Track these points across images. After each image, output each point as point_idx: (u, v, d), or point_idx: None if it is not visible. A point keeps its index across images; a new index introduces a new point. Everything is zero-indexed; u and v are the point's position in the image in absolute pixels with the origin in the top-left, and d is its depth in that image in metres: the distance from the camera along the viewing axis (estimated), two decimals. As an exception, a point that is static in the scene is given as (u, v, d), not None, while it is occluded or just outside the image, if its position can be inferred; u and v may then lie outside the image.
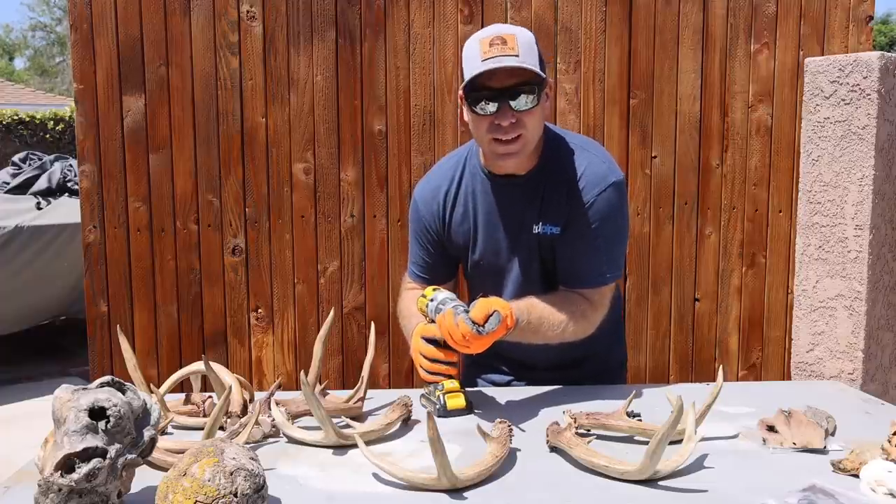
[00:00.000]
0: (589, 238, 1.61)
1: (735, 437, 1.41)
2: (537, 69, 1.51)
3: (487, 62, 1.49)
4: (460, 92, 1.59)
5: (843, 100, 2.07)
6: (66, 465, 1.01)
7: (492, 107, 1.52)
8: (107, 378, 1.12)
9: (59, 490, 1.01)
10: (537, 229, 1.65)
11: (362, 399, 1.55)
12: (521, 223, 1.66)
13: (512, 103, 1.52)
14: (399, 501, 1.17)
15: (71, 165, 5.57)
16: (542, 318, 1.57)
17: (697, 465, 1.27)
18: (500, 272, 1.71)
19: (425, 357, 1.53)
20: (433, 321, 1.53)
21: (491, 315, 1.43)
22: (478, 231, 1.71)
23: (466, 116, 1.60)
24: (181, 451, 1.16)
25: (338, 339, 2.69)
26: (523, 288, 1.69)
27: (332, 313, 1.53)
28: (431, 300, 1.53)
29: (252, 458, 1.07)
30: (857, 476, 1.20)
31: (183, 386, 1.69)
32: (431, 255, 1.78)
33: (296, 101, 2.61)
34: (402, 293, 1.86)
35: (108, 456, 1.03)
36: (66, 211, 5.14)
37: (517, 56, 1.49)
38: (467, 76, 1.53)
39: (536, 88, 1.52)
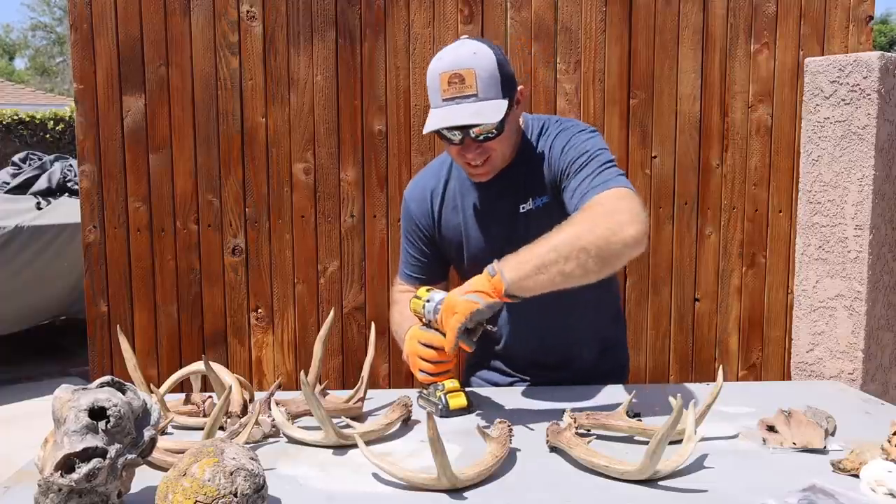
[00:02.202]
0: (577, 162, 1.57)
1: (735, 437, 1.41)
2: (493, 113, 1.49)
3: (445, 106, 1.52)
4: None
5: (843, 100, 2.07)
6: (66, 465, 1.01)
7: (456, 137, 1.54)
8: (107, 378, 1.12)
9: (59, 490, 1.01)
10: (525, 208, 1.65)
11: (362, 399, 1.55)
12: (507, 210, 1.67)
13: (473, 135, 1.53)
14: (399, 501, 1.17)
15: (71, 165, 5.57)
16: (546, 241, 1.39)
17: (697, 465, 1.27)
18: None
19: (423, 360, 1.52)
20: (428, 322, 1.52)
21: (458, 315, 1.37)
22: (468, 227, 1.71)
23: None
24: (181, 451, 1.16)
25: (338, 339, 2.69)
26: None
27: (332, 313, 1.53)
28: (428, 301, 1.52)
29: (252, 458, 1.07)
30: (857, 476, 1.20)
31: (183, 386, 1.69)
32: (425, 255, 1.78)
33: (296, 101, 2.61)
34: (394, 297, 1.86)
35: (108, 456, 1.03)
36: (66, 211, 5.14)
37: (475, 95, 1.50)
38: (431, 106, 1.56)
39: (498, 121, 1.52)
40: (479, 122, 1.50)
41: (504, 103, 1.51)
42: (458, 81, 1.50)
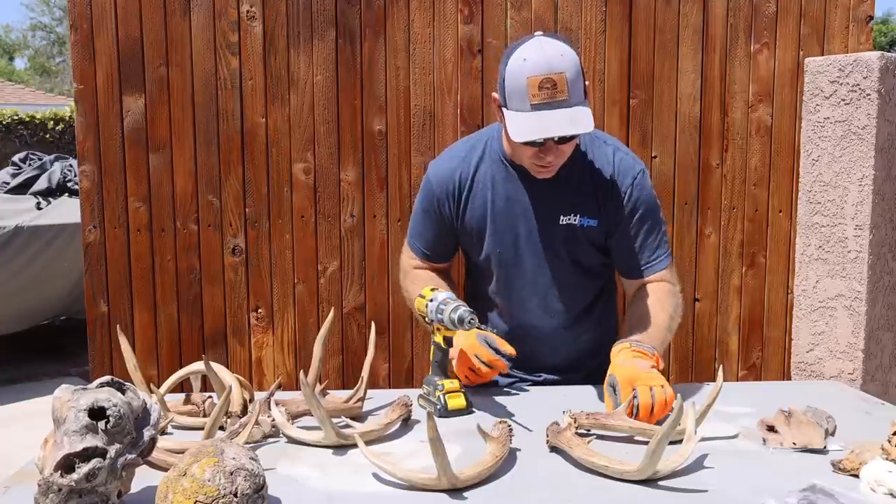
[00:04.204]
0: (644, 225, 1.66)
1: (735, 437, 1.41)
2: (587, 122, 1.47)
3: (535, 112, 1.46)
4: (495, 96, 1.57)
5: (843, 100, 2.07)
6: (66, 465, 1.01)
7: (539, 140, 1.51)
8: (107, 378, 1.12)
9: (59, 490, 1.01)
10: (566, 220, 1.65)
11: (362, 399, 1.55)
12: (545, 214, 1.66)
13: (557, 140, 1.52)
14: (399, 501, 1.17)
15: (71, 165, 5.56)
16: (665, 324, 1.66)
17: (697, 465, 1.27)
18: (517, 264, 1.70)
19: (479, 358, 1.55)
20: (432, 321, 1.53)
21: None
22: (494, 220, 1.69)
23: (506, 127, 1.57)
24: (181, 451, 1.16)
25: (338, 339, 2.69)
26: (541, 281, 1.69)
27: (331, 313, 1.53)
28: (431, 300, 1.53)
29: (252, 458, 1.08)
30: (857, 476, 1.20)
31: (183, 386, 1.69)
32: (438, 235, 1.77)
33: (296, 101, 2.61)
34: (404, 265, 1.85)
35: (108, 456, 1.03)
36: (66, 211, 5.14)
37: (566, 101, 1.46)
38: (512, 109, 1.50)
39: None
40: (578, 132, 1.48)
41: (589, 109, 1.49)
42: (550, 87, 1.45)
